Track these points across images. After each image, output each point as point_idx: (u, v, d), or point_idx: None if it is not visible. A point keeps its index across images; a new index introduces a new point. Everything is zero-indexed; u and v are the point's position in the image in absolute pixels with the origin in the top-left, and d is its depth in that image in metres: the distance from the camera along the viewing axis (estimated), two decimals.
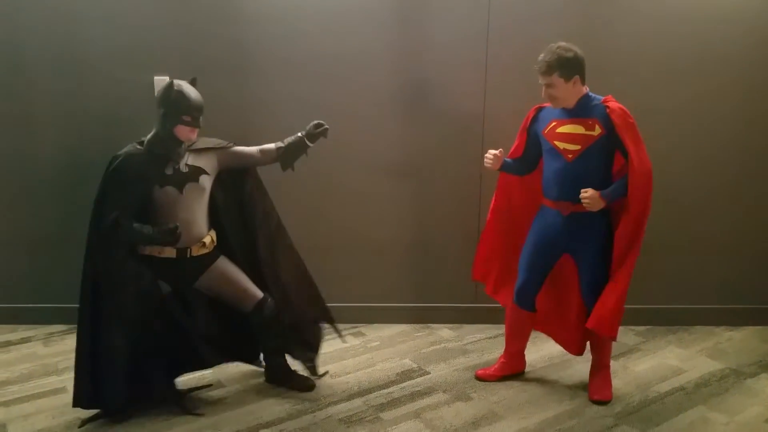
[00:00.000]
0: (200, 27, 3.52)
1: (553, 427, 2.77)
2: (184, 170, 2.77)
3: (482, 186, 3.71)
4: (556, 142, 2.86)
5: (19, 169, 3.66)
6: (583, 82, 2.81)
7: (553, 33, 3.51)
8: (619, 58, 3.57)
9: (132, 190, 2.71)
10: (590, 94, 2.84)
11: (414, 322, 3.88)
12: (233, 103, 3.57)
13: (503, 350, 3.24)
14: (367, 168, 3.69)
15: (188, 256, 2.80)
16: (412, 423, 2.81)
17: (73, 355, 3.38)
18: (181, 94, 2.67)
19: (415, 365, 3.35)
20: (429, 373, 3.27)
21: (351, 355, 3.46)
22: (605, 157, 2.83)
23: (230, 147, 2.92)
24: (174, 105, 2.67)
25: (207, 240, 2.86)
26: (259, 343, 3.06)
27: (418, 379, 3.20)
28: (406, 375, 3.25)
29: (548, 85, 2.77)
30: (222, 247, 2.96)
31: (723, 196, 3.76)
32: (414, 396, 3.04)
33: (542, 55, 2.76)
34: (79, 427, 2.75)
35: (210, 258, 2.89)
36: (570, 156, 2.82)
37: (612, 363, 3.36)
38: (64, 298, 3.79)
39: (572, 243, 2.92)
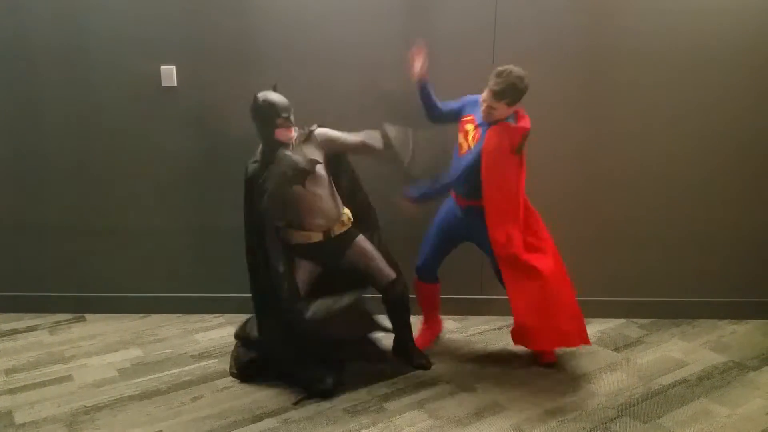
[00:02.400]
0: (206, 17, 3.51)
1: (555, 419, 2.79)
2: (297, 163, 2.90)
3: None
4: (460, 134, 3.07)
5: (25, 159, 3.66)
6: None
7: (560, 27, 3.53)
8: (623, 52, 3.56)
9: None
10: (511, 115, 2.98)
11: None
12: (238, 93, 3.56)
13: (423, 321, 3.54)
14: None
15: (332, 236, 3.02)
16: (415, 413, 2.82)
17: (79, 344, 3.44)
18: (266, 102, 2.83)
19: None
20: (433, 363, 3.28)
21: None
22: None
23: (314, 130, 3.01)
24: (266, 113, 2.83)
25: (344, 218, 3.08)
26: (388, 317, 3.25)
27: (422, 370, 3.21)
28: (410, 366, 3.25)
29: (491, 107, 2.89)
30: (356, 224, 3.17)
31: (728, 190, 3.75)
32: (418, 386, 3.05)
33: (497, 79, 2.83)
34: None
35: (350, 235, 3.10)
36: (461, 152, 3.04)
37: (615, 355, 3.40)
38: (70, 287, 3.82)
39: (469, 234, 3.18)
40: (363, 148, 3.03)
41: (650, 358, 3.38)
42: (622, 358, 3.37)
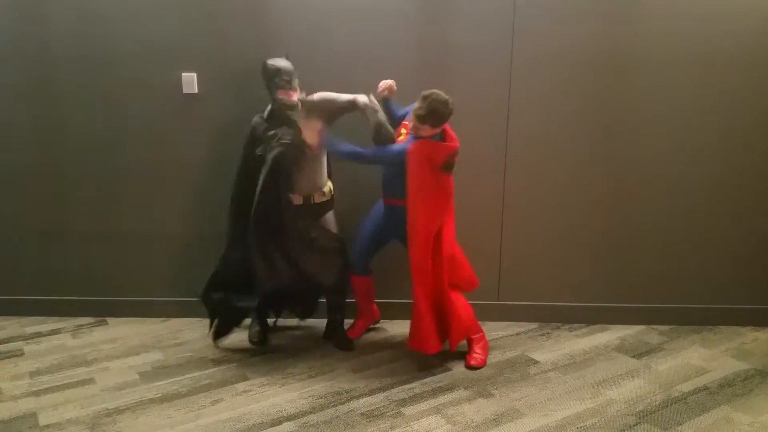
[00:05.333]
0: (226, 25, 3.56)
1: (574, 425, 2.77)
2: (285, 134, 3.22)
3: (506, 181, 3.71)
4: (399, 135, 3.28)
5: (49, 167, 3.74)
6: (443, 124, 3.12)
7: (577, 32, 3.52)
8: (639, 58, 3.55)
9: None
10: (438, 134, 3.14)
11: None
12: (259, 99, 3.60)
13: (357, 312, 3.70)
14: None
15: (312, 202, 3.34)
16: (433, 418, 2.82)
17: (101, 347, 3.50)
18: (273, 65, 3.18)
19: (436, 361, 3.37)
20: (450, 369, 3.29)
21: (373, 351, 3.49)
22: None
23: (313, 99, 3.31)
24: (271, 74, 3.18)
25: (326, 189, 3.40)
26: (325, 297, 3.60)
27: (440, 375, 3.22)
28: (427, 371, 3.27)
29: (416, 127, 3.06)
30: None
31: (750, 195, 3.71)
32: (435, 392, 3.06)
33: (422, 103, 2.99)
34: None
35: (328, 207, 3.44)
36: None
37: (635, 362, 3.37)
38: (92, 292, 3.88)
39: (391, 230, 3.37)
40: (352, 106, 3.25)
41: (670, 365, 3.35)
42: (642, 365, 3.34)
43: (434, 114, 3.00)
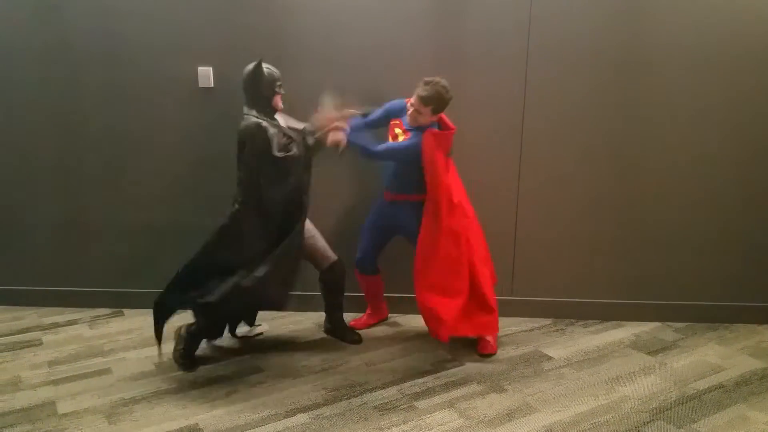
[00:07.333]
0: (242, 19, 3.57)
1: (588, 421, 2.77)
2: (291, 134, 3.14)
3: (521, 176, 3.70)
4: (389, 135, 3.33)
5: (67, 160, 3.78)
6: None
7: (594, 24, 3.50)
8: (656, 51, 3.52)
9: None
10: (435, 122, 3.22)
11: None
12: None
13: (367, 309, 3.76)
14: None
15: None
16: (446, 412, 2.83)
17: (117, 338, 3.53)
18: (270, 71, 3.13)
19: (449, 356, 3.37)
20: (464, 364, 3.29)
21: (386, 345, 3.50)
22: (414, 163, 3.17)
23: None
24: (269, 81, 3.11)
25: None
26: (323, 297, 3.50)
27: (453, 370, 3.22)
28: (440, 365, 3.27)
29: (417, 111, 3.12)
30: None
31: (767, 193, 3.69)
32: (448, 386, 3.06)
33: (425, 86, 3.09)
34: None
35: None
36: None
37: (650, 359, 3.35)
38: (109, 283, 3.92)
39: (397, 226, 3.42)
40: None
41: (686, 363, 3.32)
42: (657, 362, 3.32)
43: (437, 98, 3.09)
